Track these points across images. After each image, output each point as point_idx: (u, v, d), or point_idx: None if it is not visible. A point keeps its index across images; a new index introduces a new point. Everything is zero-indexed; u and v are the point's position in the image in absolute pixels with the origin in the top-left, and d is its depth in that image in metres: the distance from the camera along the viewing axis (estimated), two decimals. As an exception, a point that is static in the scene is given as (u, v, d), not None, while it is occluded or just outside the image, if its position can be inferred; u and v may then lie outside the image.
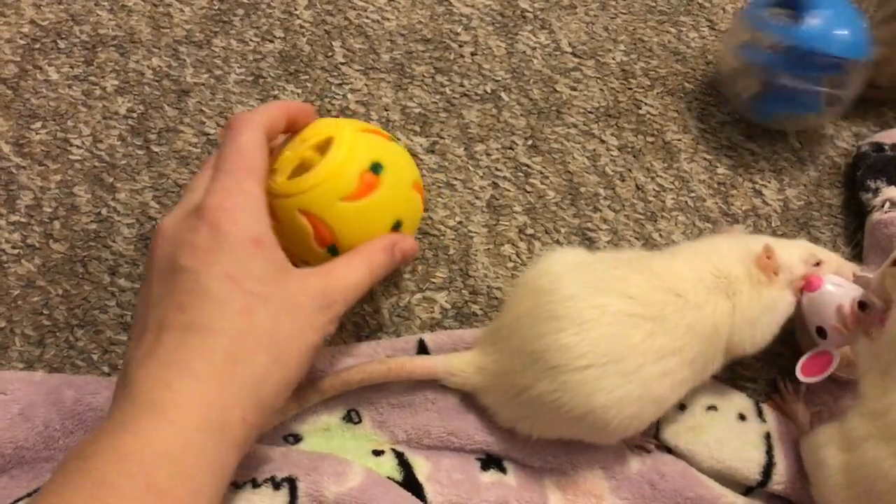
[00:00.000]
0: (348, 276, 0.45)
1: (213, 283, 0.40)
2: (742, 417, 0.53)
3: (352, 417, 0.51)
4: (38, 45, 0.65)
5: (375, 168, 0.47)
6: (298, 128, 0.48)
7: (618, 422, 0.46)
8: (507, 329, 0.49)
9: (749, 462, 0.51)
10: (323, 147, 0.47)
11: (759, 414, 0.53)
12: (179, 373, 0.38)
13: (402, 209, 0.49)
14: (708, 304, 0.48)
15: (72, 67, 0.64)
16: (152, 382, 0.38)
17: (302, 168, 0.47)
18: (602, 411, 0.45)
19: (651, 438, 0.52)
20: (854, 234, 0.60)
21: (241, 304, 0.40)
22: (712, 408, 0.53)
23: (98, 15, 0.67)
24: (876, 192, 0.60)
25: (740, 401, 0.54)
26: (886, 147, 0.62)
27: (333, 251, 0.47)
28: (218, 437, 0.38)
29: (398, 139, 0.63)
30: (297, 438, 0.50)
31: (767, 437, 0.52)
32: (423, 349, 0.53)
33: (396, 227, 0.48)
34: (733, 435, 0.52)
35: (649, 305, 0.47)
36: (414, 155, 0.63)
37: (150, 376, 0.38)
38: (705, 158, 0.64)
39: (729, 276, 0.49)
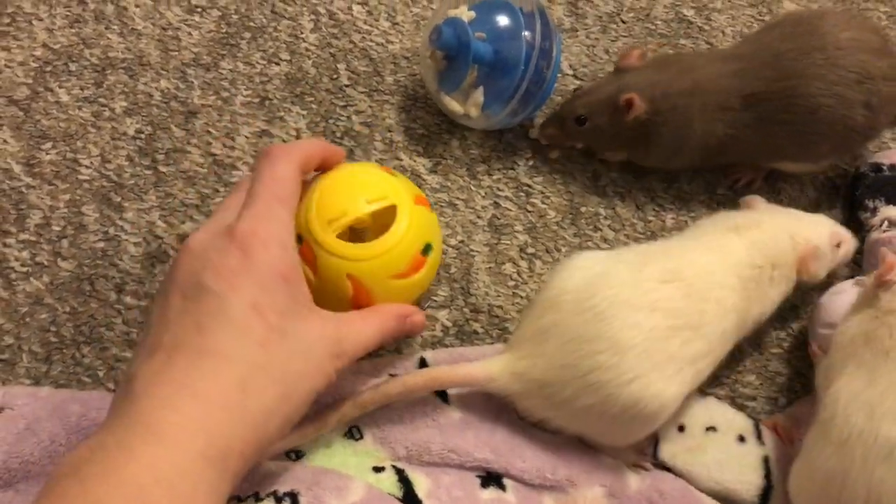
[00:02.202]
0: (362, 332, 0.45)
1: (236, 310, 0.40)
2: (742, 439, 0.53)
3: (353, 434, 0.51)
4: (49, 68, 0.66)
5: (426, 250, 0.50)
6: (328, 167, 0.50)
7: (660, 421, 0.49)
8: (540, 338, 0.49)
9: (747, 485, 0.51)
10: (382, 214, 0.49)
11: (759, 436, 0.53)
12: (188, 396, 0.38)
13: (431, 280, 0.53)
14: (745, 300, 0.51)
15: (82, 89, 0.66)
16: (158, 403, 0.37)
17: (352, 225, 0.49)
18: (649, 416, 0.48)
19: (649, 457, 0.53)
20: (854, 253, 0.60)
21: (260, 336, 0.40)
22: (712, 428, 0.53)
23: (108, 38, 0.68)
24: (874, 211, 0.61)
25: (741, 422, 0.54)
26: (885, 167, 0.63)
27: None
28: (218, 467, 0.37)
29: (399, 159, 0.64)
30: (298, 454, 0.51)
31: (766, 460, 0.52)
32: (424, 367, 0.54)
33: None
34: (732, 457, 0.52)
35: (686, 315, 0.48)
36: (417, 175, 0.63)
37: (157, 396, 0.38)
38: (705, 178, 0.65)
39: (774, 264, 0.52)
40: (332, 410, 0.49)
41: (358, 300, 0.49)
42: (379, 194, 0.49)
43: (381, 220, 0.50)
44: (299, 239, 0.48)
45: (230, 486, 0.38)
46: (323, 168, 0.50)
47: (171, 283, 0.42)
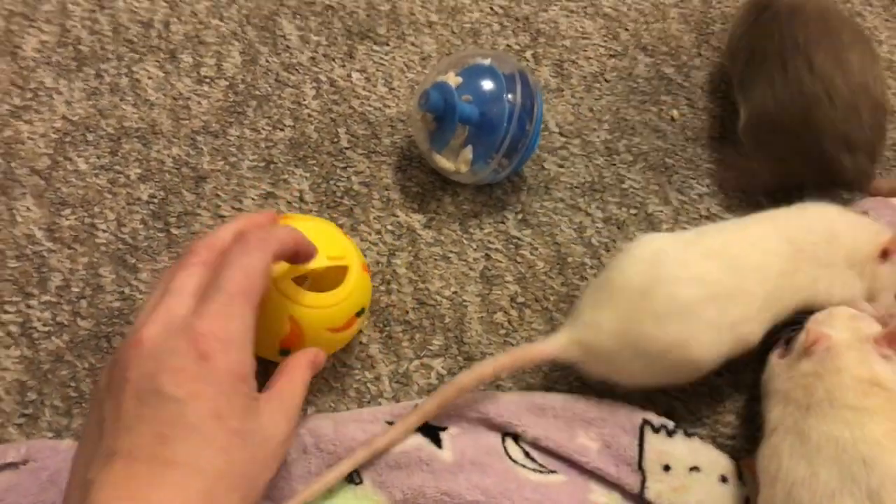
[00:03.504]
0: (295, 398, 0.47)
1: (198, 419, 0.38)
2: (724, 480, 0.55)
3: (353, 478, 0.54)
4: (68, 139, 0.71)
5: (360, 313, 0.56)
6: (299, 260, 0.51)
7: (704, 372, 0.55)
8: (597, 311, 0.55)
9: None
10: (333, 271, 0.53)
11: (740, 477, 0.56)
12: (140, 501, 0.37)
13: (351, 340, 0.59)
14: (794, 268, 0.56)
15: (98, 158, 0.70)
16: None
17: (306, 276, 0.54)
18: (692, 373, 0.55)
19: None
20: None
21: (223, 443, 0.39)
22: (695, 468, 0.55)
23: (123, 109, 0.73)
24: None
25: (723, 462, 0.56)
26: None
27: (285, 353, 0.52)
28: None
29: (396, 216, 0.68)
30: (301, 499, 0.54)
31: (747, 501, 0.55)
32: (418, 414, 0.57)
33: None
34: (715, 498, 0.54)
35: (725, 285, 0.54)
36: (412, 231, 0.67)
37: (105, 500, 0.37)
38: (685, 228, 0.68)
39: (830, 241, 0.57)
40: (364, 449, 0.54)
41: (289, 341, 0.52)
42: (339, 253, 0.54)
43: (324, 277, 0.54)
44: None
45: None
46: (292, 260, 0.50)
47: (124, 382, 0.40)
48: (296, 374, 0.48)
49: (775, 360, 0.56)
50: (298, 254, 0.49)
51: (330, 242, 0.54)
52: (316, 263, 0.52)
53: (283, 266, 0.51)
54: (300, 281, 0.54)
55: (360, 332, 0.62)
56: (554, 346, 0.55)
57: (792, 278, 0.55)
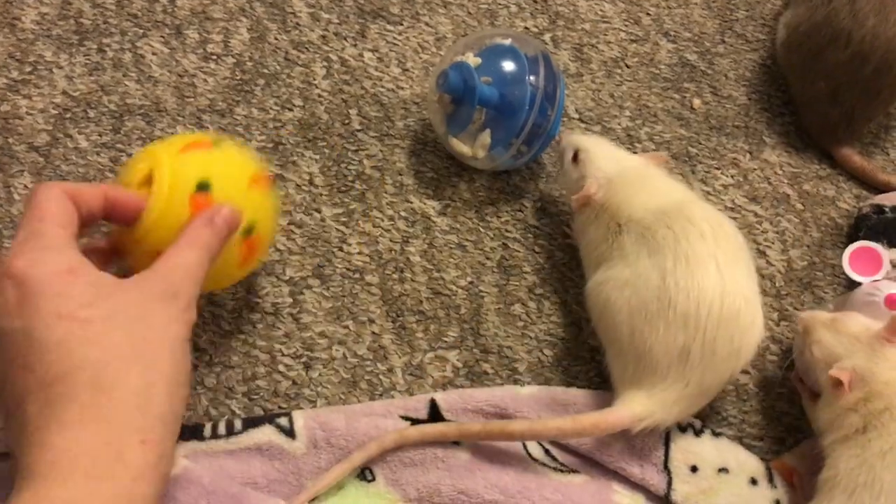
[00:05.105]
0: (182, 260, 0.44)
1: (44, 331, 0.38)
2: (754, 482, 0.53)
3: (365, 476, 0.52)
4: (68, 115, 0.68)
5: (203, 187, 0.48)
6: (125, 214, 0.47)
7: None
8: (693, 364, 0.50)
9: None
10: (148, 182, 0.48)
11: (771, 479, 0.54)
12: (52, 428, 0.37)
13: (245, 214, 0.49)
14: None
15: (100, 135, 0.68)
16: (31, 449, 0.37)
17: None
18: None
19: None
20: (857, 294, 0.61)
21: (83, 335, 0.39)
22: (724, 470, 0.53)
23: (126, 85, 0.70)
24: (877, 252, 0.62)
25: (753, 464, 0.54)
26: (887, 209, 0.64)
27: None
28: (118, 472, 0.37)
29: (409, 202, 0.65)
30: (311, 496, 0.51)
31: None
32: (434, 409, 0.54)
33: (249, 231, 0.50)
34: (744, 500, 0.53)
35: None
36: (426, 217, 0.65)
37: (29, 444, 0.37)
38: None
39: None
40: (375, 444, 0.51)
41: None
42: (136, 169, 0.49)
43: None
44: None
45: (151, 481, 0.38)
46: (117, 216, 0.47)
47: None
48: (181, 239, 0.45)
49: (809, 405, 0.54)
50: (115, 205, 0.46)
51: (133, 168, 0.49)
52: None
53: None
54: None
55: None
56: (628, 417, 0.51)
57: None
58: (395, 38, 0.74)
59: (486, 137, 0.63)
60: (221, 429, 0.53)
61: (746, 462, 0.54)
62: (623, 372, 0.52)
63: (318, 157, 0.67)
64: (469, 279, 0.63)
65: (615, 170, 0.59)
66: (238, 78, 0.71)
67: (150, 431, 0.39)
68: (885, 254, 0.59)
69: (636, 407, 0.51)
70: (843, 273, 0.62)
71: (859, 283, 0.59)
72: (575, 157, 0.61)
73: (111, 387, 0.38)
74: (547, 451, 0.53)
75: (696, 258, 0.51)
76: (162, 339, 0.41)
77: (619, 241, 0.55)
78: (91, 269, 0.41)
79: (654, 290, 0.51)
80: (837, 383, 0.49)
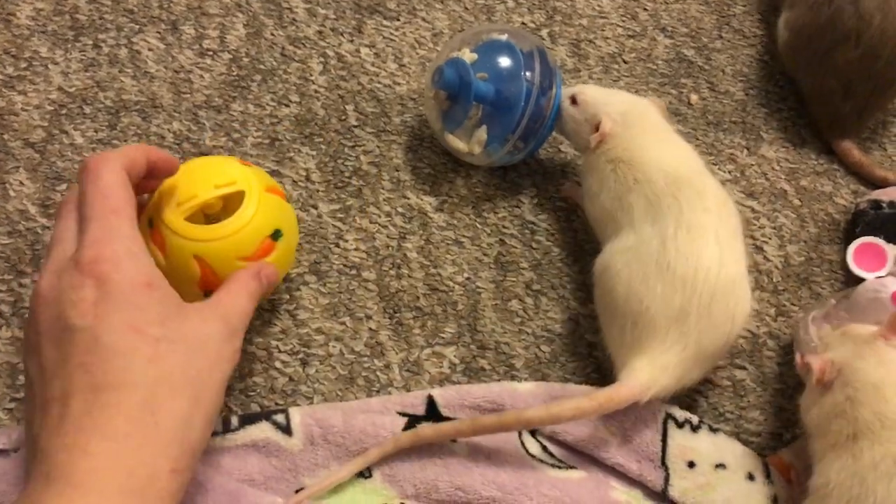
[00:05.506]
0: (237, 303, 0.45)
1: (114, 337, 0.38)
2: (751, 477, 0.53)
3: (363, 472, 0.52)
4: (64, 111, 0.68)
5: (276, 235, 0.51)
6: (161, 174, 0.48)
7: None
8: (690, 325, 0.51)
9: None
10: (231, 199, 0.50)
11: (768, 475, 0.54)
12: (95, 435, 0.37)
13: (285, 269, 0.54)
14: None
15: (96, 131, 0.67)
16: (67, 452, 0.36)
17: (203, 211, 0.50)
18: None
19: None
20: (855, 290, 0.61)
21: (149, 352, 0.39)
22: (721, 466, 0.53)
23: (122, 81, 0.70)
24: (875, 248, 0.62)
25: (750, 459, 0.54)
26: (884, 204, 0.64)
27: (209, 295, 0.48)
28: (147, 494, 0.37)
29: (406, 198, 0.65)
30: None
31: (775, 500, 0.53)
32: (431, 405, 0.54)
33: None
34: (741, 496, 0.52)
35: None
36: (423, 213, 0.65)
37: (64, 445, 0.36)
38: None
39: None
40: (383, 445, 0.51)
41: (206, 282, 0.49)
42: (228, 180, 0.50)
43: (227, 210, 0.51)
44: (150, 223, 0.49)
45: None
46: (155, 174, 0.48)
47: (36, 336, 0.40)
48: (233, 284, 0.47)
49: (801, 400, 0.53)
50: (157, 166, 0.47)
51: (218, 172, 0.50)
52: (204, 195, 0.49)
53: (171, 209, 0.48)
54: (197, 220, 0.50)
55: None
56: (637, 386, 0.51)
57: None
58: (391, 34, 0.74)
59: (482, 133, 0.63)
60: (218, 426, 0.52)
61: (744, 457, 0.54)
62: (621, 338, 0.53)
63: (314, 153, 0.67)
64: (466, 275, 0.62)
65: (623, 105, 0.60)
66: (234, 74, 0.71)
67: (181, 461, 0.39)
68: (890, 249, 0.59)
69: (641, 375, 0.51)
70: (841, 269, 0.62)
71: (862, 280, 0.59)
72: (574, 101, 0.61)
73: (159, 410, 0.38)
74: (544, 448, 0.53)
75: (698, 228, 0.52)
76: (213, 373, 0.42)
77: (630, 203, 0.56)
78: (164, 284, 0.42)
79: (654, 253, 0.52)
80: (808, 369, 0.49)
